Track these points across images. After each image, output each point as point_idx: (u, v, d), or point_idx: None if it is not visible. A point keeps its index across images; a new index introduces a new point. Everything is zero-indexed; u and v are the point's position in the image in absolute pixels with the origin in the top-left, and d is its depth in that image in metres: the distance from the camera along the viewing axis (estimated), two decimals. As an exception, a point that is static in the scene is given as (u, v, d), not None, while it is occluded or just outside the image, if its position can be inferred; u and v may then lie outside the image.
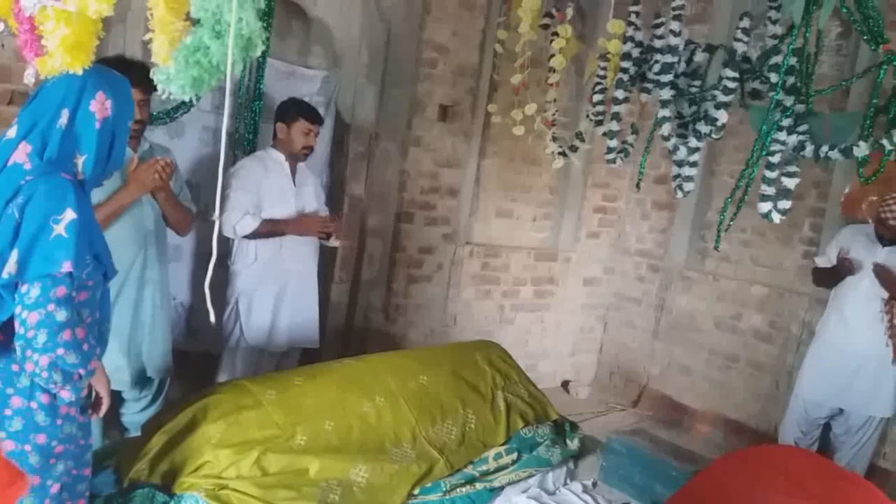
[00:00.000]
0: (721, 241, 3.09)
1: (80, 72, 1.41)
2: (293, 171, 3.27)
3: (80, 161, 1.63)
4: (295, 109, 3.21)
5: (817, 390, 3.63)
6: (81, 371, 1.60)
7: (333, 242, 3.41)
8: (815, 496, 1.74)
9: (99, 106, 1.60)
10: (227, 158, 3.42)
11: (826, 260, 3.70)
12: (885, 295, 3.40)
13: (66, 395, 1.64)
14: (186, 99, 1.28)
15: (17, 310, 1.53)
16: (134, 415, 2.90)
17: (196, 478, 2.25)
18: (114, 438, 2.94)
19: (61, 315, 1.52)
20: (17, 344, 1.54)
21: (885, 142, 2.70)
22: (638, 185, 3.75)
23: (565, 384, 5.27)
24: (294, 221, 3.21)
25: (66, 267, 1.52)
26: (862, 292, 3.46)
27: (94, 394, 1.82)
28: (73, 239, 1.54)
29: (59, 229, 1.52)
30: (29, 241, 1.52)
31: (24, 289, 1.52)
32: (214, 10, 1.13)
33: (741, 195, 2.91)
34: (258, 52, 1.26)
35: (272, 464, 2.34)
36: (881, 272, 3.38)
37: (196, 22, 1.22)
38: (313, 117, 3.22)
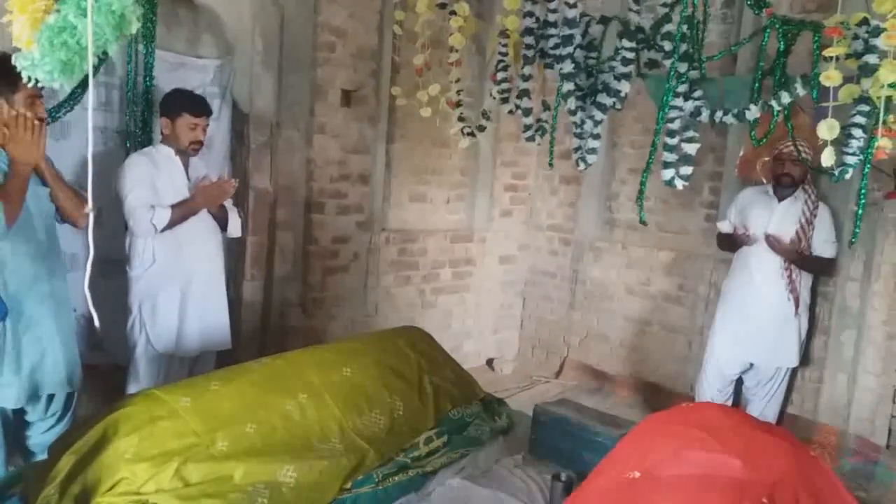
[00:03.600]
0: (644, 213, 3.16)
1: None
2: (186, 166, 3.11)
3: None
4: (178, 103, 3.03)
5: (728, 347, 3.80)
6: None
7: (234, 231, 3.26)
8: (735, 449, 1.80)
9: None
10: (118, 157, 3.24)
11: (727, 224, 3.86)
12: None
13: None
14: (56, 86, 1.16)
15: None
16: (40, 435, 2.70)
17: (112, 496, 2.11)
18: (18, 464, 2.74)
19: None
20: None
21: (773, 103, 2.82)
22: (550, 163, 3.79)
23: (490, 362, 5.31)
24: (197, 195, 3.04)
25: None
26: (763, 252, 3.63)
27: None
28: None
29: None
30: None
31: None
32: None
33: (646, 164, 2.98)
34: (133, 30, 1.15)
35: (193, 473, 2.23)
36: (773, 243, 3.55)
37: (59, -1, 1.10)
38: (198, 110, 3.04)
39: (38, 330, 2.53)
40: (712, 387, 3.89)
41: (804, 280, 3.67)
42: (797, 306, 3.63)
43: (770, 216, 3.63)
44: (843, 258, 3.77)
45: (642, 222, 3.24)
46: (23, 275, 2.43)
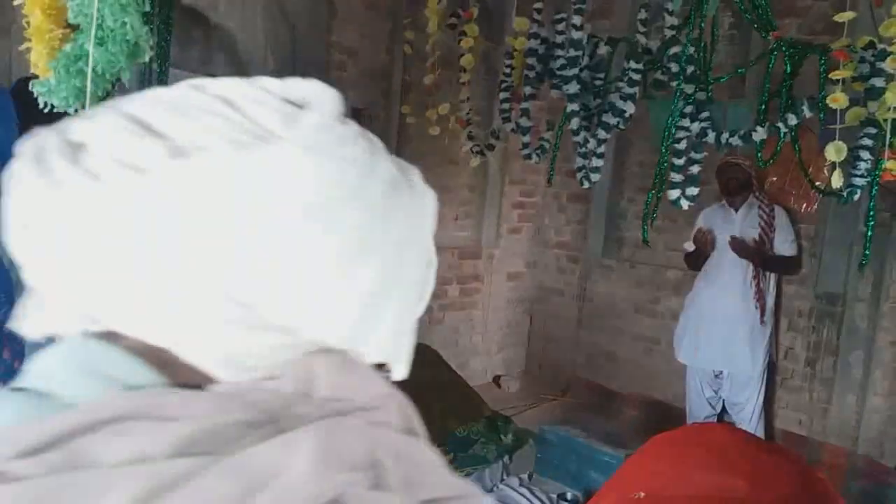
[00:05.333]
0: (648, 234, 3.19)
1: None
2: None
3: None
4: None
5: (696, 357, 3.86)
6: None
7: None
8: (743, 471, 1.80)
9: None
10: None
11: (691, 244, 3.94)
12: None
13: None
14: (71, 112, 1.19)
15: None
16: None
17: None
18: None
19: None
20: None
21: (780, 125, 2.84)
22: (549, 181, 3.83)
23: (496, 379, 5.31)
24: None
25: None
26: (729, 261, 3.69)
27: None
28: None
29: None
30: None
31: None
32: (95, 16, 1.06)
33: (657, 184, 3.01)
34: (146, 58, 1.18)
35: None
36: (735, 245, 3.63)
37: (75, 28, 1.14)
38: None
39: None
40: (705, 405, 3.93)
41: (770, 288, 3.75)
42: (763, 314, 3.69)
43: (732, 226, 3.71)
44: (851, 279, 3.76)
45: (645, 242, 3.26)
46: None
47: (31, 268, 0.43)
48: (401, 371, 0.51)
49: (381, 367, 0.49)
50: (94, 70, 1.06)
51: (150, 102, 0.44)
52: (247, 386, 0.41)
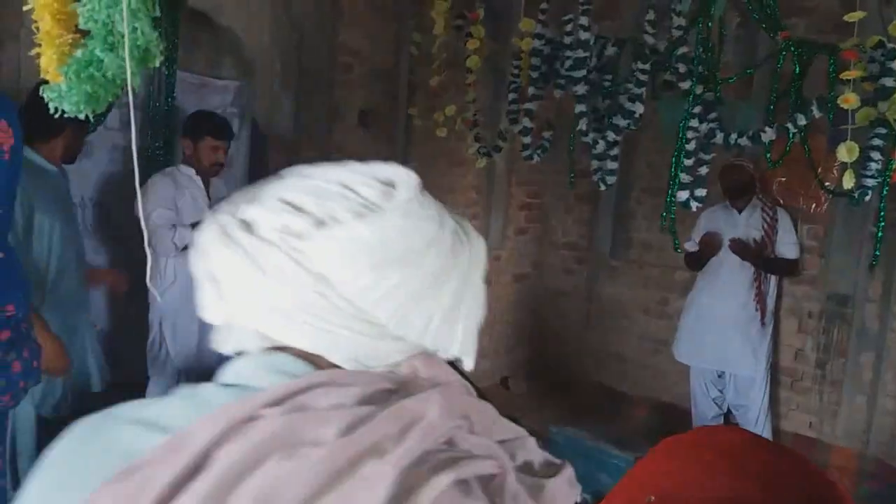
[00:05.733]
0: (677, 239, 3.19)
1: None
2: (207, 187, 3.15)
3: None
4: (201, 125, 3.07)
5: (697, 357, 3.88)
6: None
7: None
8: (754, 473, 1.78)
9: (4, 135, 1.46)
10: (141, 177, 3.29)
11: (693, 244, 3.94)
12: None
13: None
14: (81, 117, 1.19)
15: None
16: None
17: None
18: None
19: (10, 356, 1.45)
20: None
21: (789, 125, 2.82)
22: (570, 183, 3.83)
23: (504, 380, 5.30)
24: None
25: (10, 309, 1.45)
26: (729, 263, 3.70)
27: None
28: (11, 279, 1.46)
29: None
30: None
31: None
32: (105, 21, 1.05)
33: (671, 184, 2.99)
34: (157, 63, 1.18)
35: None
36: (736, 247, 3.64)
37: (86, 34, 1.14)
38: (221, 133, 3.08)
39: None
40: (711, 405, 3.93)
41: (771, 290, 3.76)
42: (763, 316, 3.70)
43: (735, 228, 3.71)
44: (861, 280, 3.74)
45: (676, 248, 3.26)
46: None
47: (222, 308, 0.64)
48: (469, 363, 0.72)
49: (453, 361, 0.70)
50: (104, 76, 1.06)
51: (292, 189, 0.64)
52: (380, 371, 0.63)
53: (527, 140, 3.58)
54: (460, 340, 0.69)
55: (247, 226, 0.62)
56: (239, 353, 0.66)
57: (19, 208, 2.17)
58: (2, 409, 1.57)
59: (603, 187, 3.43)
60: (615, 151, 3.30)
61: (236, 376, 0.64)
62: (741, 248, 3.64)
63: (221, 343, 0.67)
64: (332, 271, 0.61)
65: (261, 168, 3.86)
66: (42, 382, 1.77)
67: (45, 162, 2.46)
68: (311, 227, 0.61)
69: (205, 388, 0.64)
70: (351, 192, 0.64)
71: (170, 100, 3.36)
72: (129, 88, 1.02)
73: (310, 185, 0.65)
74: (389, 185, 0.65)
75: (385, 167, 0.68)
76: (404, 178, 0.67)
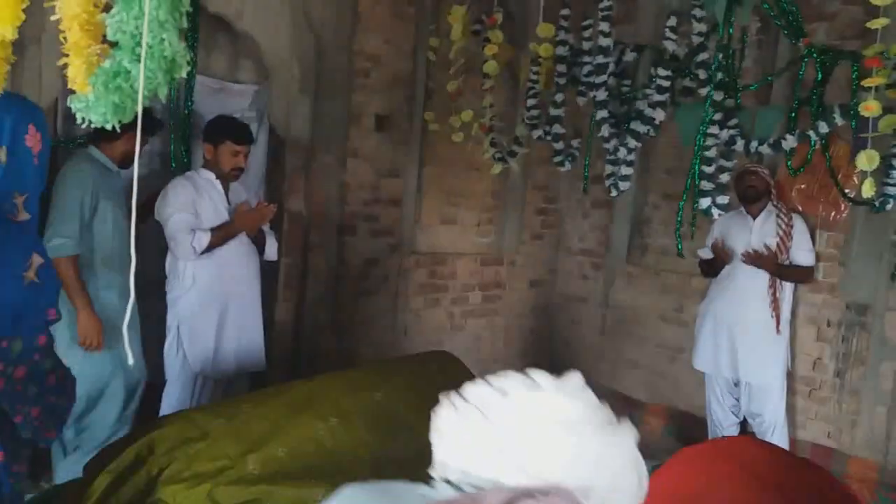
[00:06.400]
0: (682, 246, 3.16)
1: None
2: (226, 191, 3.16)
3: (21, 200, 1.50)
4: (221, 130, 3.08)
5: (712, 364, 3.85)
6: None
7: (271, 255, 3.32)
8: (773, 485, 1.76)
9: (33, 140, 1.48)
10: (162, 179, 3.30)
11: (707, 251, 3.91)
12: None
13: (52, 435, 1.64)
14: (108, 127, 1.20)
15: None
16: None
17: (145, 518, 2.14)
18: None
19: (48, 363, 1.48)
20: (3, 401, 1.45)
21: (810, 133, 2.80)
22: (585, 189, 3.81)
23: (518, 387, 5.27)
24: (236, 219, 3.09)
25: (51, 314, 1.47)
26: (744, 270, 3.67)
27: None
28: (51, 284, 1.49)
29: (31, 276, 1.44)
30: (4, 295, 1.42)
31: (4, 344, 1.42)
32: (133, 32, 1.06)
33: (692, 193, 2.97)
34: (183, 74, 1.19)
35: (225, 496, 2.24)
36: (750, 258, 3.61)
37: (114, 45, 1.14)
38: (241, 138, 3.09)
39: None
40: (728, 415, 3.91)
41: (786, 298, 3.72)
42: (779, 323, 3.67)
43: (749, 234, 3.68)
44: (881, 288, 3.69)
45: (680, 254, 3.20)
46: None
47: (445, 452, 0.96)
48: None
49: None
50: (131, 86, 1.06)
51: (510, 384, 0.97)
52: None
53: (559, 146, 3.57)
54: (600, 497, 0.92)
55: (479, 409, 0.95)
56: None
57: (88, 197, 2.70)
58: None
59: (615, 193, 3.41)
60: (631, 157, 3.28)
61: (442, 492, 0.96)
62: (754, 259, 3.60)
63: (435, 471, 0.98)
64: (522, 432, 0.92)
65: (277, 171, 3.88)
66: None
67: (108, 160, 2.89)
68: (499, 400, 0.97)
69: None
70: (543, 393, 0.97)
71: (189, 104, 3.38)
72: (140, 96, 1.04)
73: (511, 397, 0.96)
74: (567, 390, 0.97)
75: (568, 380, 1.00)
76: (578, 382, 1.00)
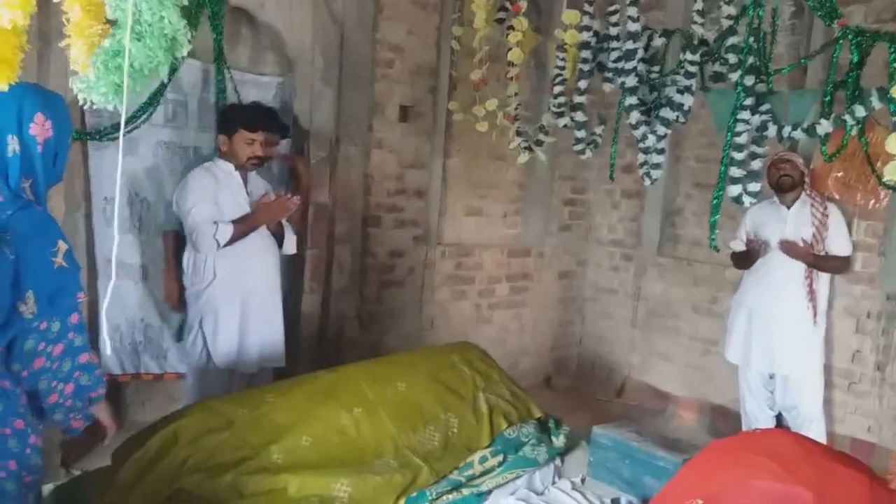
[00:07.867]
0: (715, 239, 3.07)
1: (5, 88, 1.32)
2: (245, 181, 3.13)
3: (28, 185, 1.57)
4: (233, 119, 3.03)
5: (748, 358, 3.76)
6: (92, 394, 1.68)
7: (289, 248, 3.30)
8: (807, 480, 1.70)
9: (39, 128, 1.53)
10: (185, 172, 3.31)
11: (740, 243, 3.82)
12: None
13: (79, 424, 1.70)
14: (110, 108, 1.19)
15: (41, 346, 1.55)
16: None
17: (170, 507, 2.16)
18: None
19: (79, 340, 1.60)
20: (43, 379, 1.58)
21: (847, 117, 2.70)
22: (611, 176, 3.74)
23: (548, 380, 5.23)
24: (258, 211, 3.04)
25: (80, 297, 1.58)
26: (779, 261, 3.59)
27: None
28: (75, 267, 1.59)
29: (60, 261, 1.54)
30: (40, 280, 1.54)
31: (43, 325, 1.54)
32: (132, 10, 1.04)
33: (719, 180, 2.88)
34: (184, 52, 1.17)
35: (248, 485, 2.25)
36: (786, 248, 3.52)
37: (114, 24, 1.13)
38: (253, 125, 3.00)
39: None
40: (765, 409, 3.83)
41: (822, 288, 3.63)
42: (815, 315, 3.58)
43: (784, 225, 3.60)
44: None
45: (713, 248, 3.10)
46: None
47: None
48: None
49: None
50: (131, 66, 1.05)
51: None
52: None
53: (581, 134, 3.51)
54: None
55: None
56: None
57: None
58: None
59: (648, 182, 3.33)
60: (662, 145, 3.20)
61: None
62: (791, 249, 3.52)
63: None
64: None
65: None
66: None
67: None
68: None
69: None
70: None
71: (221, 97, 3.37)
72: (126, 70, 1.03)
73: None
74: None
75: None
76: None
